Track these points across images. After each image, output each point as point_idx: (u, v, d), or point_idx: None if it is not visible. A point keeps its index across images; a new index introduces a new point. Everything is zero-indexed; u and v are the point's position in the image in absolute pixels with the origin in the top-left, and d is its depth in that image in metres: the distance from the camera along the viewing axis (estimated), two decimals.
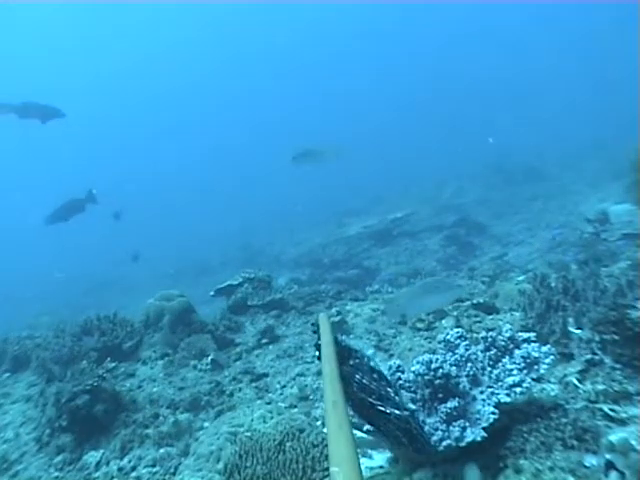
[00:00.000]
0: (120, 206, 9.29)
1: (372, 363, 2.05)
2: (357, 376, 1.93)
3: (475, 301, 4.54)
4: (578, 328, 3.06)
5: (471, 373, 2.39)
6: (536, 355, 2.34)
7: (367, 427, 2.27)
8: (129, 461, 3.35)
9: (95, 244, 21.34)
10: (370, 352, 2.48)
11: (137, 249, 10.24)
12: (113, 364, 4.39)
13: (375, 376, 2.02)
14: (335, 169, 29.00)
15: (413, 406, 2.32)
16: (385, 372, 2.25)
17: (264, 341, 5.06)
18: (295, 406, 3.64)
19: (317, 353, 1.69)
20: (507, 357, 2.42)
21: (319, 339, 1.70)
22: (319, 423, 3.28)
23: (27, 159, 40.29)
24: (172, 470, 3.20)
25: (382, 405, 1.96)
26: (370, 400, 1.96)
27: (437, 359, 2.33)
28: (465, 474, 2.06)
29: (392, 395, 2.01)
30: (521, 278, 5.34)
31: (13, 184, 38.00)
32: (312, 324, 1.86)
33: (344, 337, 1.96)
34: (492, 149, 20.03)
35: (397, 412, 1.96)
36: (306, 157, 6.32)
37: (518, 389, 2.26)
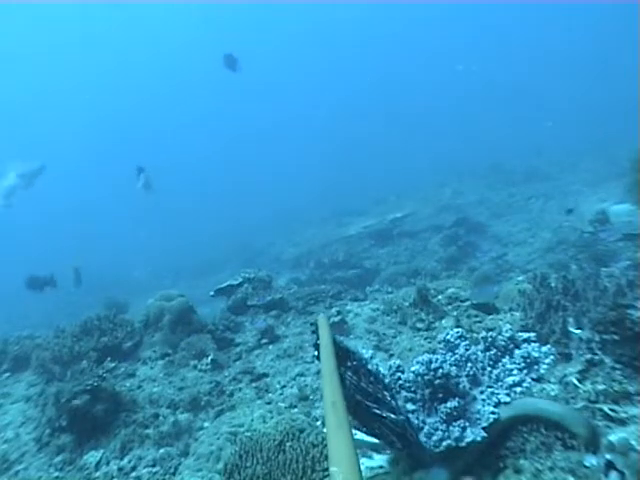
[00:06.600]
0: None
1: (370, 366, 2.03)
2: (354, 378, 1.91)
3: (475, 301, 4.54)
4: (578, 328, 3.06)
5: (471, 373, 2.39)
6: (536, 355, 2.34)
7: (365, 428, 2.27)
8: (129, 461, 3.35)
9: (95, 243, 21.31)
10: (370, 352, 2.46)
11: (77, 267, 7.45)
12: (113, 364, 4.39)
13: (372, 379, 2.00)
14: (335, 169, 29.04)
15: (411, 408, 2.32)
16: (383, 374, 2.23)
17: (264, 341, 5.06)
18: (295, 406, 3.64)
19: (316, 353, 1.69)
20: (507, 357, 2.42)
21: (318, 339, 1.70)
22: (319, 423, 3.28)
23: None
24: (172, 470, 3.20)
25: (378, 408, 1.95)
26: (366, 403, 1.94)
27: (437, 359, 2.33)
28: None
29: (388, 399, 1.99)
30: (521, 278, 5.34)
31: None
32: (311, 324, 1.86)
33: (343, 338, 1.95)
34: (492, 149, 20.03)
35: (393, 416, 1.93)
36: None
37: (518, 389, 2.26)
